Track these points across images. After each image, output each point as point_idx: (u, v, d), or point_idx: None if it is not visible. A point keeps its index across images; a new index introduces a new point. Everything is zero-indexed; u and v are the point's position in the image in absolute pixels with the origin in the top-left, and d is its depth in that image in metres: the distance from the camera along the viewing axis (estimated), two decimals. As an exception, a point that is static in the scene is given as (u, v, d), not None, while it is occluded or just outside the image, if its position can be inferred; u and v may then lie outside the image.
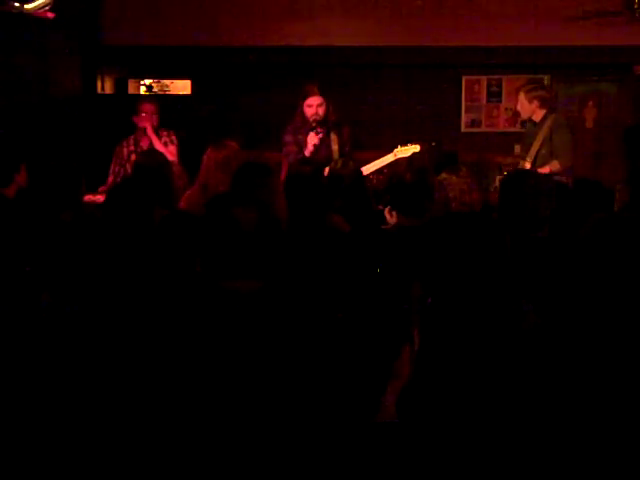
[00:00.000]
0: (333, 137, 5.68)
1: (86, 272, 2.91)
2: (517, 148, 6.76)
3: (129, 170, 5.68)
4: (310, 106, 5.56)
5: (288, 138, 5.69)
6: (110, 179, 5.97)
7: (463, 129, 8.23)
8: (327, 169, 4.91)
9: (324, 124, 5.61)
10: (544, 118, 5.63)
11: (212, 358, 2.31)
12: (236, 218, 2.53)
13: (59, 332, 2.58)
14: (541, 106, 5.63)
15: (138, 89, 8.09)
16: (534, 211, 3.12)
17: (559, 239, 3.04)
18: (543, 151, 5.52)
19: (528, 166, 5.51)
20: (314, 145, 5.55)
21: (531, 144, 5.59)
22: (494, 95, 8.16)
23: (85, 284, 2.87)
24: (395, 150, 5.83)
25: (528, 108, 5.66)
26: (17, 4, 5.74)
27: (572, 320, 2.52)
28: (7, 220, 3.63)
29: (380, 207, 6.18)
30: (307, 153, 5.57)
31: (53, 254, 3.09)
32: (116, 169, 6.01)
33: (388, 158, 5.83)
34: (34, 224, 3.48)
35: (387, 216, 3.87)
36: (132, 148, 5.98)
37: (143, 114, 5.91)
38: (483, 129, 8.15)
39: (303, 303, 2.57)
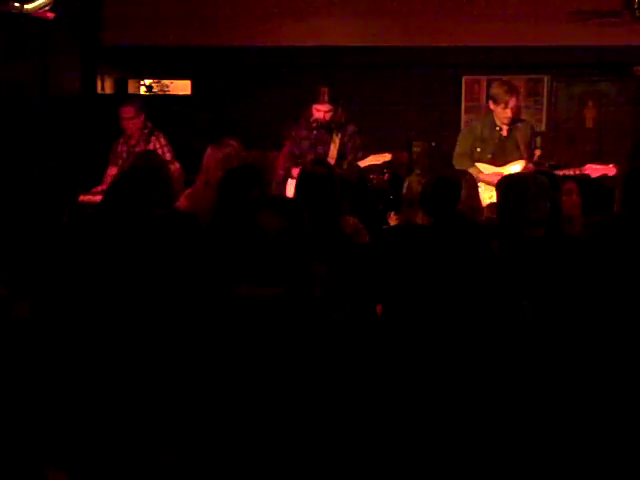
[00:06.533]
0: (335, 138, 5.71)
1: (83, 273, 2.91)
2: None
3: (123, 166, 5.73)
4: (318, 111, 5.64)
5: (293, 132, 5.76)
6: (106, 177, 5.99)
7: (463, 129, 8.22)
8: None
9: (325, 126, 5.65)
10: (514, 122, 5.60)
11: (218, 366, 2.28)
12: (260, 223, 2.45)
13: (53, 339, 2.56)
14: None
15: (138, 89, 8.10)
16: (534, 211, 3.14)
17: (556, 239, 3.05)
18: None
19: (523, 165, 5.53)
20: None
21: (504, 149, 5.57)
22: (494, 95, 8.15)
23: (82, 285, 2.87)
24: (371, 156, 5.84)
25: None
26: (17, 4, 5.74)
27: (569, 317, 2.53)
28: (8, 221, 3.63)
29: (381, 207, 6.21)
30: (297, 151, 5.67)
31: (51, 254, 3.09)
32: (111, 165, 6.04)
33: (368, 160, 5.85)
34: (32, 224, 3.47)
35: (390, 220, 3.92)
36: (124, 147, 6.01)
37: (123, 120, 5.92)
38: (483, 129, 8.14)
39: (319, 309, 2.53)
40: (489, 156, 5.61)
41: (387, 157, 5.81)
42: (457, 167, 5.64)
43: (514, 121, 5.62)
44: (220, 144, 4.63)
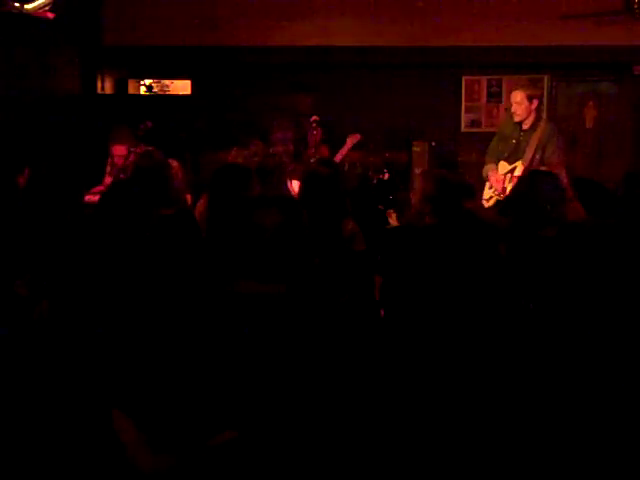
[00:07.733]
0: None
1: (86, 273, 2.91)
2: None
3: (125, 172, 5.73)
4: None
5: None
6: (106, 179, 5.99)
7: (463, 129, 8.23)
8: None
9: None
10: (535, 124, 5.57)
11: (220, 363, 2.28)
12: (258, 220, 2.45)
13: (60, 338, 2.57)
14: (536, 109, 5.61)
15: (138, 89, 8.09)
16: (549, 211, 3.15)
17: (565, 238, 3.06)
18: (537, 156, 5.51)
19: (522, 168, 5.53)
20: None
21: (518, 148, 5.58)
22: (494, 95, 8.16)
23: (85, 285, 2.87)
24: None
25: (527, 108, 5.58)
26: (17, 4, 5.74)
27: (568, 317, 2.53)
28: (9, 220, 3.63)
29: (381, 207, 6.20)
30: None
31: (55, 254, 3.09)
32: (110, 169, 6.04)
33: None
34: (36, 224, 3.48)
35: (390, 218, 3.93)
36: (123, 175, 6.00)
37: (115, 157, 5.92)
38: (483, 129, 8.13)
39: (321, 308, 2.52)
40: (506, 154, 5.70)
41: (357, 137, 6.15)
42: (486, 162, 5.83)
43: (535, 122, 5.60)
44: (245, 145, 4.66)
